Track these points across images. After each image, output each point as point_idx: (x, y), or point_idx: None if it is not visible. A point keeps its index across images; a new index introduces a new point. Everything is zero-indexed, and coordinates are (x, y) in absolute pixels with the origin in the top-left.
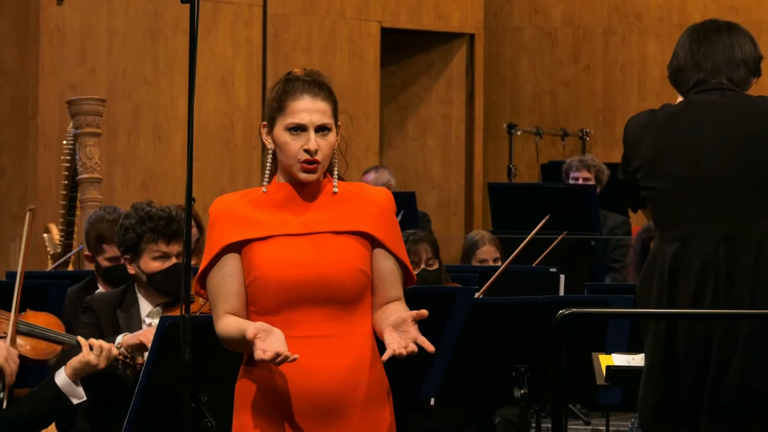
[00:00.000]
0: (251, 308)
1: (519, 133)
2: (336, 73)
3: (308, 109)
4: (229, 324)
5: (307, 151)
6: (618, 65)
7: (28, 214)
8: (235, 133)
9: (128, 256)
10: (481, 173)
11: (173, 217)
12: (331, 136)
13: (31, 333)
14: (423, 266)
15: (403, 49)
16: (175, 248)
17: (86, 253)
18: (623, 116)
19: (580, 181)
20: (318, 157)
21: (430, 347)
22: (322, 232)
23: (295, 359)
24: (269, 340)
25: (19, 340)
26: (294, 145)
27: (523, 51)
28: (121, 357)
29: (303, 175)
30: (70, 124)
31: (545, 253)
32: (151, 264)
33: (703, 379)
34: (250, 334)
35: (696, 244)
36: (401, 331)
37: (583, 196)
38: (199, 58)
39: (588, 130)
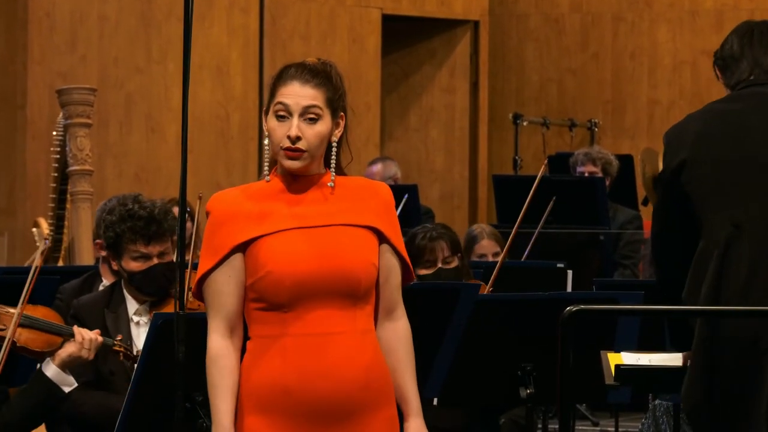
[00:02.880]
0: (258, 305)
1: (525, 123)
2: (335, 61)
3: (295, 93)
4: (213, 376)
5: (288, 137)
6: (627, 53)
7: (42, 243)
8: (231, 123)
9: (110, 253)
10: (485, 165)
11: (154, 217)
12: (320, 126)
13: (31, 325)
14: (440, 264)
15: (405, 36)
16: (156, 249)
17: (97, 241)
18: (633, 106)
19: (587, 176)
20: (301, 146)
21: None
22: (334, 225)
23: None
24: None
25: (19, 332)
26: (279, 131)
27: (529, 38)
28: (122, 350)
29: (286, 162)
30: (60, 115)
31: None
32: (131, 264)
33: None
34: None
35: (750, 228)
36: None
37: (591, 189)
38: (194, 46)
39: (596, 120)
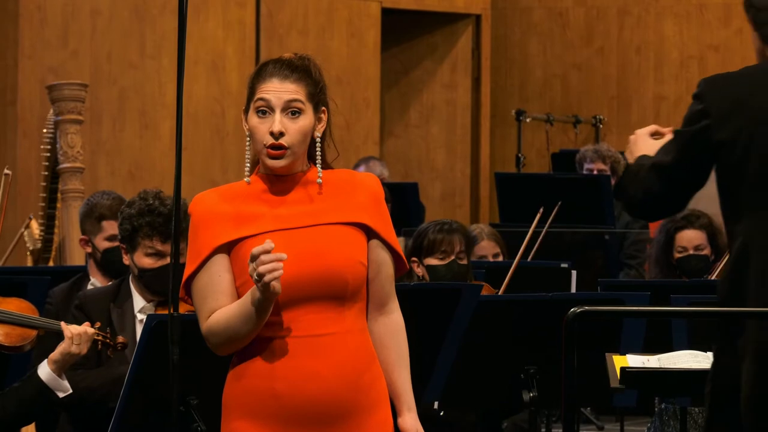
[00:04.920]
0: None
1: (528, 120)
2: (334, 56)
3: (275, 89)
4: (221, 313)
5: (271, 133)
6: (633, 47)
7: (3, 178)
8: (227, 120)
9: (124, 246)
10: (487, 163)
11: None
12: (303, 120)
13: (2, 319)
14: (454, 257)
15: (405, 30)
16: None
17: (82, 237)
18: (639, 102)
19: (595, 173)
20: (284, 141)
21: None
22: (318, 225)
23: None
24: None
25: None
26: (261, 128)
27: (532, 33)
28: (99, 337)
29: (269, 162)
30: (51, 111)
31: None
32: (143, 260)
33: None
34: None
35: None
36: None
37: (596, 187)
38: (189, 40)
39: (601, 116)
